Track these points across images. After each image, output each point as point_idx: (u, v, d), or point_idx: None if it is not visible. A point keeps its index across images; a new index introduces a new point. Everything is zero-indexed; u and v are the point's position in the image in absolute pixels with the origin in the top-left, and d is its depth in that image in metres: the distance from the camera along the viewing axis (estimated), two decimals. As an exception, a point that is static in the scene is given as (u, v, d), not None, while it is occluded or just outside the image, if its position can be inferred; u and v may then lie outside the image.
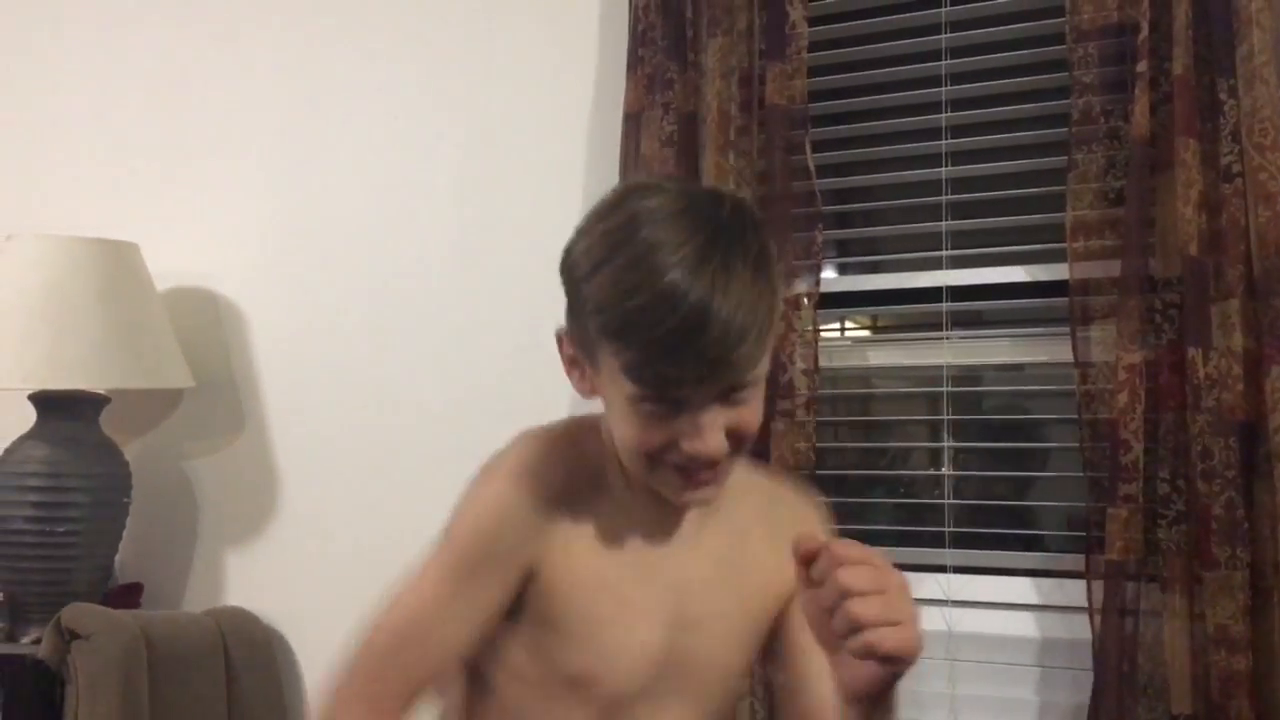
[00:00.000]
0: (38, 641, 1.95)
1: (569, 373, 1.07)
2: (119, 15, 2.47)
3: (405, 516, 2.10)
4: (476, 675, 1.11)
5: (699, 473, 1.00)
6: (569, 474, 1.06)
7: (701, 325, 0.92)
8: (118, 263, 2.14)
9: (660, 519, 1.09)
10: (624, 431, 1.01)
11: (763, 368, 1.00)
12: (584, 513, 1.06)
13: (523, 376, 2.04)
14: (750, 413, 1.00)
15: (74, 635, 1.86)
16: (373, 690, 1.04)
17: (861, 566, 0.89)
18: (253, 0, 2.36)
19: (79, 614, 1.88)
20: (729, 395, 0.98)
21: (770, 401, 1.76)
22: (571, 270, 1.02)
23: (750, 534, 1.13)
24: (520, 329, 2.06)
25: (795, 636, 1.11)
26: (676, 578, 1.09)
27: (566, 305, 1.04)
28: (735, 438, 1.00)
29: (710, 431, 0.97)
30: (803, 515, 1.18)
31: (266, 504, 2.23)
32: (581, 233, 1.02)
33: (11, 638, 2.06)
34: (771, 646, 1.16)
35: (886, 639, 0.86)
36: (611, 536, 1.07)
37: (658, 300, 0.92)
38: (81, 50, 2.50)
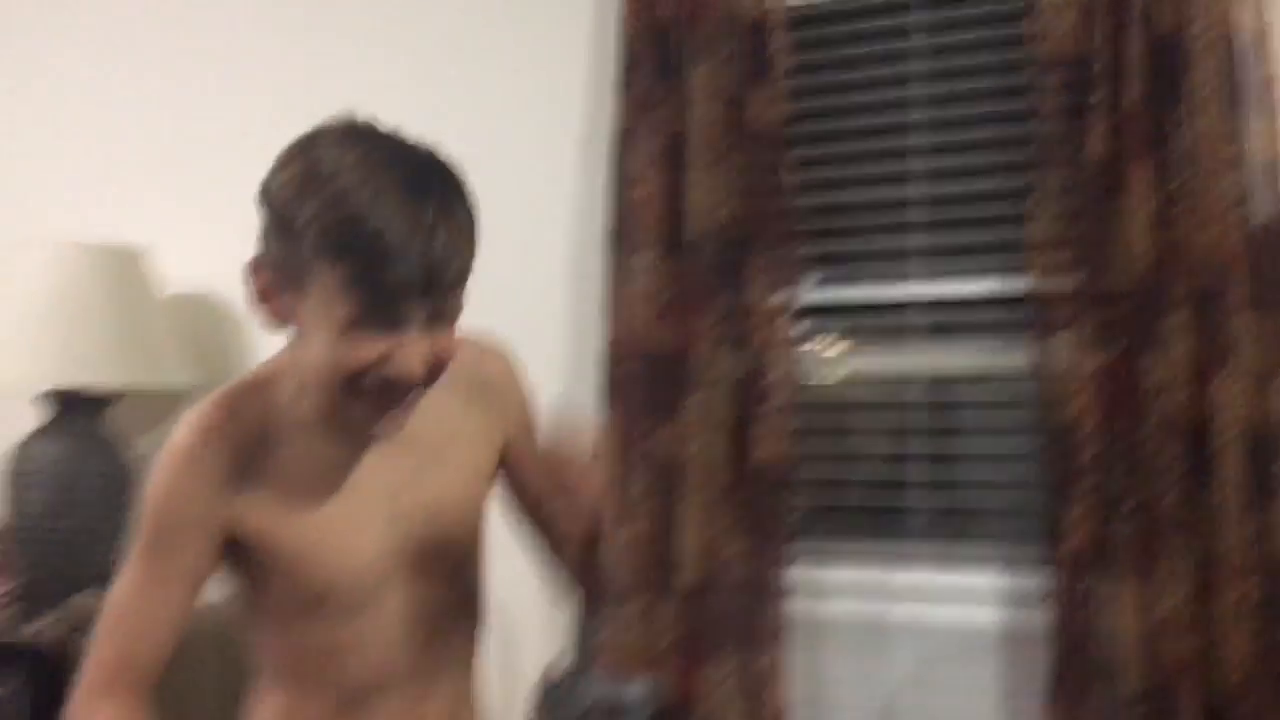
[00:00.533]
0: (49, 628, 2.03)
1: (259, 305, 1.10)
2: (128, 22, 2.56)
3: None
4: (261, 621, 1.20)
5: (392, 401, 1.06)
6: (240, 436, 1.12)
7: (426, 249, 0.99)
8: (126, 267, 2.23)
9: (354, 440, 1.14)
10: (328, 355, 1.03)
11: (462, 301, 1.07)
12: (269, 462, 1.13)
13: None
14: (449, 341, 1.06)
15: (84, 622, 1.95)
16: (106, 678, 1.13)
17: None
18: (257, 13, 2.46)
19: (91, 601, 1.97)
20: (434, 321, 1.04)
21: (748, 406, 1.88)
22: (283, 196, 1.05)
23: (451, 412, 1.19)
24: (514, 337, 2.16)
25: (528, 470, 1.25)
26: (386, 481, 1.16)
27: (269, 235, 1.07)
28: (435, 366, 1.05)
29: (418, 352, 1.03)
30: (495, 370, 1.27)
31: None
32: (291, 161, 1.08)
33: (22, 626, 2.14)
34: (513, 505, 1.28)
35: None
36: (308, 471, 1.14)
37: (386, 227, 0.99)
38: (91, 58, 2.58)
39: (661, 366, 1.92)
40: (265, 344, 2.30)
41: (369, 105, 2.42)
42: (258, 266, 1.09)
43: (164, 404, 2.41)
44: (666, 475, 1.90)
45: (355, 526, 1.15)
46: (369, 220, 1.00)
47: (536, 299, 2.15)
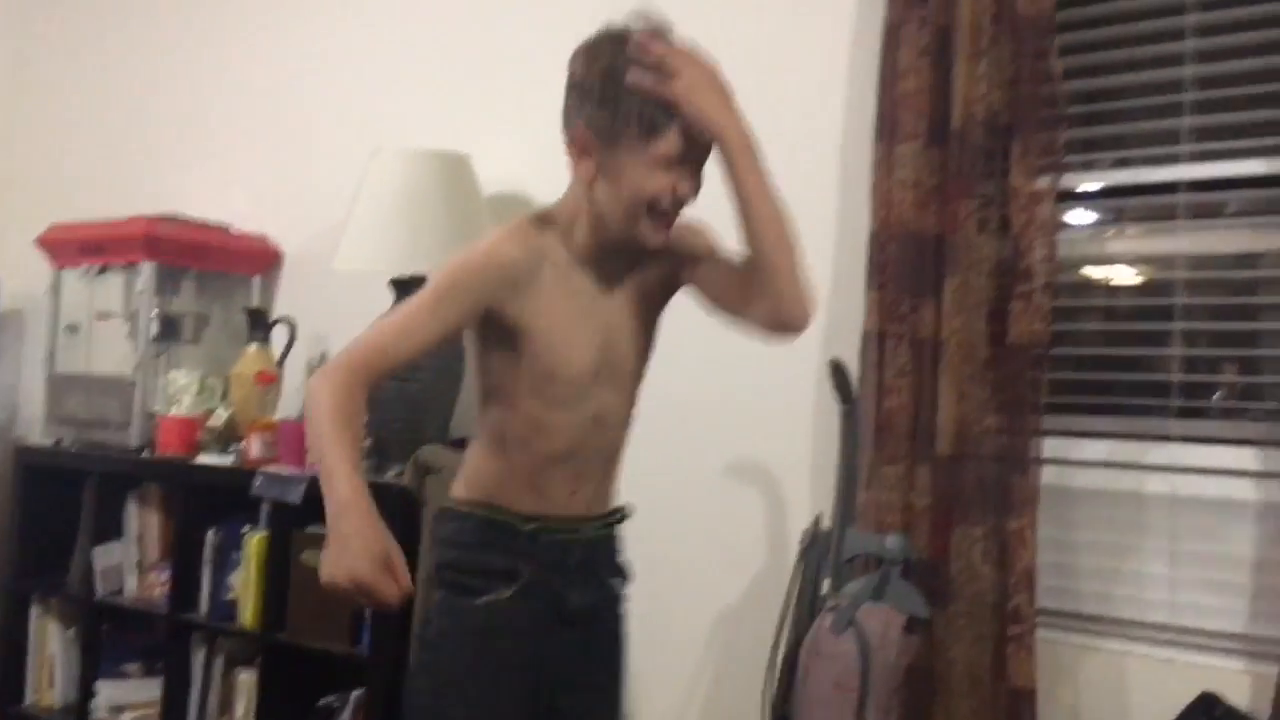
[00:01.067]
0: (399, 475, 2.45)
1: (578, 164, 1.53)
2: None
3: (687, 411, 2.46)
4: (497, 396, 1.61)
5: (669, 218, 1.52)
6: (526, 251, 1.54)
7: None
8: (454, 171, 2.59)
9: (596, 280, 1.59)
10: (632, 187, 1.49)
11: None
12: (538, 279, 1.53)
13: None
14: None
15: (428, 470, 2.33)
16: (358, 360, 1.50)
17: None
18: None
19: (432, 453, 2.36)
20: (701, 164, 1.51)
21: (1009, 285, 1.97)
22: (604, 73, 1.50)
23: (647, 267, 1.62)
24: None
25: (712, 279, 1.63)
26: (605, 318, 1.61)
27: (588, 106, 1.50)
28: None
29: (691, 180, 1.51)
30: (694, 239, 1.64)
31: (571, 374, 2.64)
32: (602, 46, 1.55)
33: (379, 472, 2.57)
34: (702, 295, 1.65)
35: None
36: (563, 291, 1.56)
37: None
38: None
39: (924, 249, 2.04)
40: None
41: (663, 12, 2.64)
42: (577, 134, 1.52)
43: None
44: (925, 351, 2.03)
45: (581, 341, 1.58)
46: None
47: (809, 186, 2.30)
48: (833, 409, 2.09)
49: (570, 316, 1.56)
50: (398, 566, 1.38)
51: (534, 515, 1.60)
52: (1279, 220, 1.89)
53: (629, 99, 1.47)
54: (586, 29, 2.64)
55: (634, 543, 1.76)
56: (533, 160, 2.73)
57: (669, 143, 1.47)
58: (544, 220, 1.60)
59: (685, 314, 1.70)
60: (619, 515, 1.72)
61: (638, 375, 1.67)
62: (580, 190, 1.56)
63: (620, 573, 1.73)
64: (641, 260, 1.62)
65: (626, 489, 1.76)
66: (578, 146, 1.52)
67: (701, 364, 2.41)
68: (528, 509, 1.60)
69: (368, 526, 1.37)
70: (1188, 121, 1.96)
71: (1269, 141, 1.88)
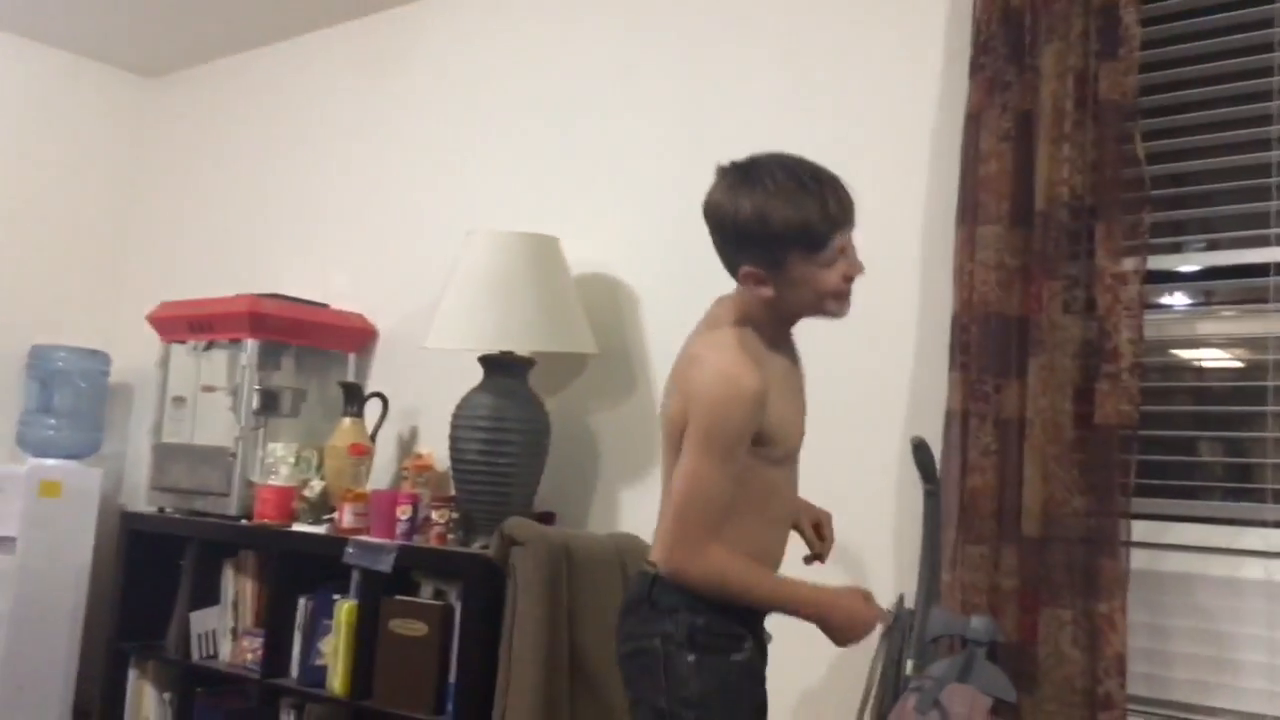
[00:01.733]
0: (485, 546, 2.49)
1: (757, 290, 1.71)
2: (539, 57, 3.04)
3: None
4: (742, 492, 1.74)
5: (850, 293, 1.72)
6: (758, 368, 1.68)
7: (839, 188, 1.70)
8: (544, 252, 2.67)
9: (787, 362, 1.80)
10: (825, 284, 1.70)
11: None
12: (770, 384, 1.69)
13: (871, 342, 2.34)
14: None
15: (514, 541, 2.37)
16: (704, 533, 1.68)
17: None
18: (647, 41, 2.83)
19: (518, 525, 2.40)
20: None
21: (1095, 366, 1.97)
22: (760, 217, 1.66)
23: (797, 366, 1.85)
24: (872, 301, 2.37)
25: None
26: (799, 384, 1.83)
27: (750, 248, 1.68)
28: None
29: (855, 254, 1.72)
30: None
31: (652, 449, 2.68)
32: (744, 198, 1.68)
33: (465, 543, 2.63)
34: None
35: None
36: (778, 380, 1.74)
37: (828, 184, 1.69)
38: (514, 85, 3.09)
39: (1007, 329, 2.06)
40: (654, 317, 2.70)
41: (740, 101, 2.74)
42: (749, 272, 1.71)
43: (573, 366, 2.84)
44: (1010, 431, 2.03)
45: (796, 415, 1.81)
46: (826, 195, 1.68)
47: (893, 268, 2.34)
48: (916, 488, 2.09)
49: (787, 397, 1.77)
50: (872, 599, 1.76)
51: None
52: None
53: (784, 233, 1.65)
54: (669, 117, 2.76)
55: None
56: (618, 242, 2.81)
57: (831, 250, 1.68)
58: (739, 331, 1.74)
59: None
60: None
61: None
62: (758, 297, 1.73)
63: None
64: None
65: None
66: (753, 279, 1.70)
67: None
68: None
69: (851, 603, 1.74)
70: (1277, 205, 1.96)
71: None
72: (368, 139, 3.45)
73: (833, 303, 1.73)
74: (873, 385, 2.35)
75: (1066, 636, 1.93)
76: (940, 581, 2.04)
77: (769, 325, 1.77)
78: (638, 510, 2.68)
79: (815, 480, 2.44)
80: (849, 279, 1.72)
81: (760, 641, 1.78)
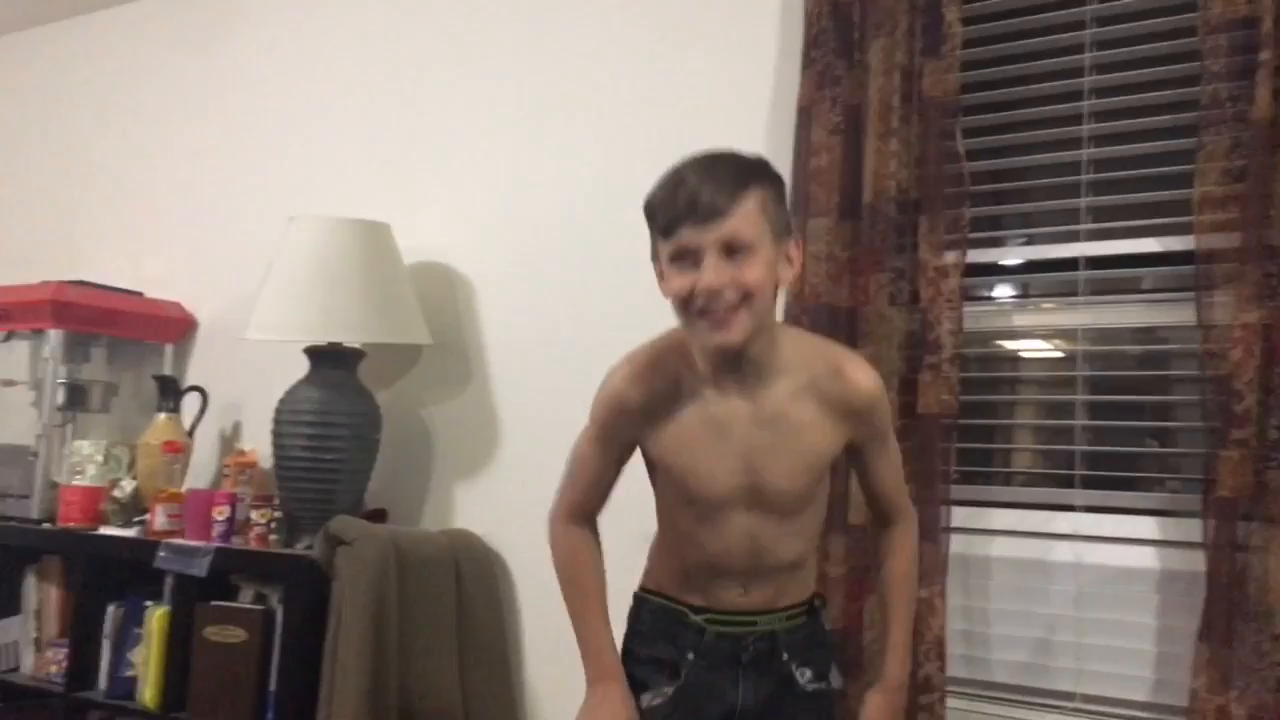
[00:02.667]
0: (309, 547, 2.39)
1: (661, 288, 1.53)
2: (373, 38, 2.93)
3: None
4: (660, 501, 1.69)
5: (716, 314, 1.45)
6: (660, 381, 1.58)
7: (679, 184, 1.46)
8: (374, 239, 2.58)
9: (728, 405, 1.56)
10: (672, 290, 1.48)
11: (751, 239, 1.45)
12: (672, 405, 1.58)
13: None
14: (747, 273, 1.45)
15: (340, 541, 2.28)
16: (569, 509, 1.71)
17: None
18: (480, 22, 2.77)
19: (344, 524, 2.31)
20: (731, 254, 1.44)
21: (918, 357, 2.01)
22: (650, 202, 1.52)
23: (804, 402, 1.57)
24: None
25: (863, 469, 1.68)
26: (742, 441, 1.57)
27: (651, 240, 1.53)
28: (739, 288, 1.45)
29: (710, 271, 1.44)
30: (855, 391, 1.58)
31: (489, 444, 2.63)
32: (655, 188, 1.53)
33: (288, 544, 2.52)
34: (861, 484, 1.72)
35: None
36: (694, 420, 1.58)
37: (662, 182, 1.50)
38: (345, 66, 2.98)
39: (837, 320, 2.08)
40: (491, 307, 2.65)
41: (578, 95, 2.71)
42: (653, 262, 1.55)
43: (406, 357, 2.76)
44: (839, 422, 2.06)
45: (717, 467, 1.58)
46: (663, 188, 1.50)
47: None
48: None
49: (702, 443, 1.57)
50: None
51: (704, 608, 1.64)
52: (1173, 296, 1.96)
53: (647, 212, 1.52)
54: (504, 104, 2.70)
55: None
56: (453, 229, 2.74)
57: (673, 244, 1.48)
58: (669, 344, 1.61)
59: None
60: (809, 607, 1.69)
61: (796, 508, 1.61)
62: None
63: (816, 662, 1.67)
64: (802, 390, 1.57)
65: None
66: (658, 278, 1.56)
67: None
68: (698, 604, 1.65)
69: (617, 699, 1.60)
70: (1085, 201, 2.04)
71: (1161, 221, 1.96)
72: (186, 117, 3.27)
73: (694, 321, 1.48)
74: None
75: (891, 622, 1.97)
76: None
77: (699, 358, 1.56)
78: (474, 506, 2.62)
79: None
80: (705, 293, 1.44)
81: (712, 687, 1.61)
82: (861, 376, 1.59)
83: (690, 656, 1.61)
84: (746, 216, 1.45)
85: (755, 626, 1.63)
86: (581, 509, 1.71)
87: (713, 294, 1.44)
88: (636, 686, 1.63)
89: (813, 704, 1.65)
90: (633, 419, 1.61)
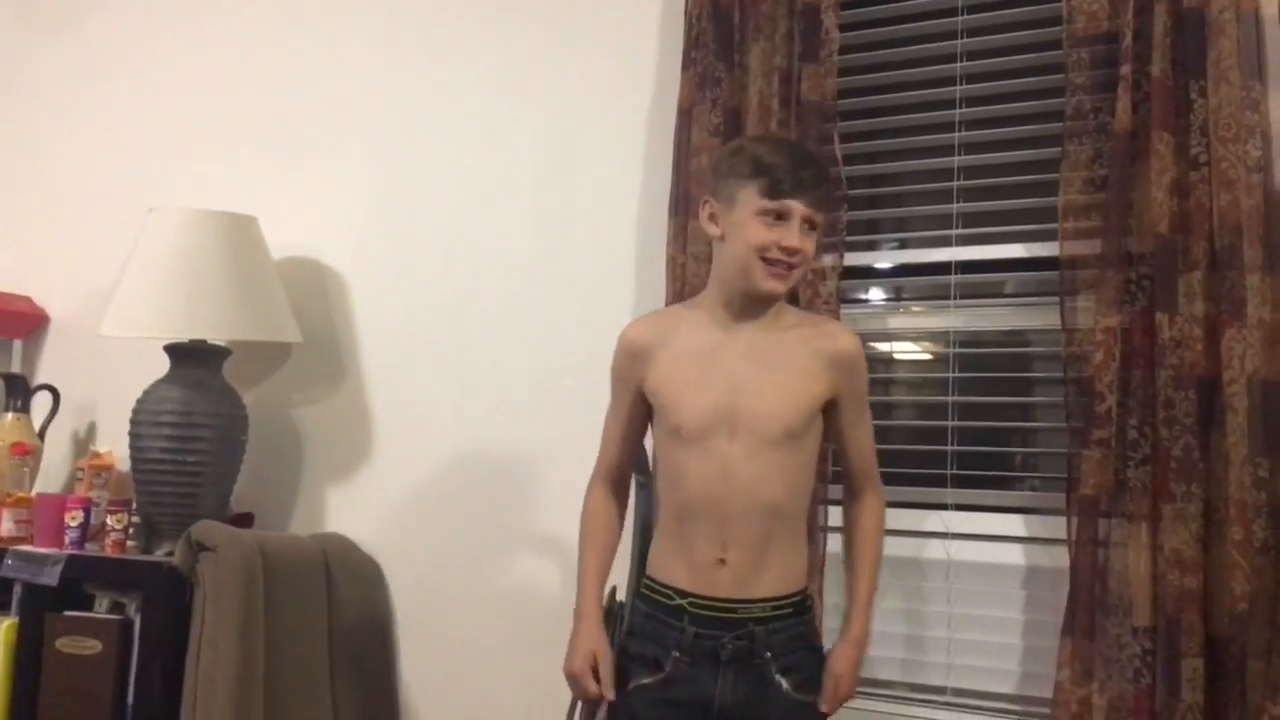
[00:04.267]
0: (170, 554, 2.29)
1: (707, 226, 1.73)
2: (241, 24, 2.83)
3: (483, 460, 2.42)
4: (657, 452, 1.79)
5: (780, 268, 1.66)
6: (661, 327, 1.77)
7: (807, 160, 1.70)
8: (240, 233, 2.48)
9: (721, 338, 1.72)
10: (747, 238, 1.66)
11: (820, 221, 1.69)
12: (670, 344, 1.74)
13: (588, 332, 2.32)
14: (810, 244, 1.68)
15: (202, 547, 2.19)
16: (597, 470, 1.84)
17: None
18: (353, 10, 2.69)
19: (207, 529, 2.21)
20: (806, 226, 1.66)
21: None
22: (722, 157, 1.74)
23: (795, 347, 1.72)
24: (588, 291, 2.36)
25: (841, 429, 1.77)
26: (730, 368, 1.70)
27: (715, 182, 1.72)
28: (804, 258, 1.68)
29: (795, 234, 1.65)
30: (840, 344, 1.74)
31: (362, 446, 2.56)
32: (729, 146, 1.79)
33: (147, 551, 2.41)
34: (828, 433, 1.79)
35: None
36: (687, 351, 1.73)
37: (786, 150, 1.71)
38: (210, 53, 2.86)
39: (716, 323, 2.08)
40: (364, 304, 2.57)
41: (454, 87, 2.65)
42: (706, 201, 1.73)
43: (274, 355, 2.66)
44: (718, 422, 2.06)
45: (702, 392, 1.69)
46: (775, 155, 1.68)
47: (607, 259, 2.34)
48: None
49: (691, 370, 1.71)
50: (600, 669, 1.69)
51: (682, 590, 1.67)
52: (1038, 300, 2.02)
53: (735, 155, 1.70)
54: (378, 96, 2.63)
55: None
56: (324, 223, 2.66)
57: (777, 203, 1.64)
58: (678, 309, 1.83)
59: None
60: (795, 602, 1.69)
61: (776, 437, 1.67)
62: (715, 264, 1.75)
63: (801, 669, 1.67)
64: (793, 336, 1.72)
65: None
66: (708, 216, 1.72)
67: (498, 429, 2.38)
68: (677, 578, 1.69)
69: (589, 633, 1.71)
70: (957, 207, 2.09)
71: (1026, 228, 2.02)
72: (34, 102, 3.10)
73: (760, 266, 1.65)
74: (591, 373, 2.32)
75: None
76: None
77: (715, 298, 1.74)
78: (345, 509, 2.55)
79: (535, 472, 2.42)
80: (784, 248, 1.65)
81: (696, 682, 1.65)
82: (846, 334, 1.77)
83: (675, 654, 1.66)
84: (824, 204, 1.70)
85: (735, 614, 1.64)
86: (610, 472, 1.83)
87: (792, 253, 1.65)
88: (625, 675, 1.71)
89: (796, 714, 1.67)
90: (637, 361, 1.74)
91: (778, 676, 1.65)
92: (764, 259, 1.65)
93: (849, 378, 1.73)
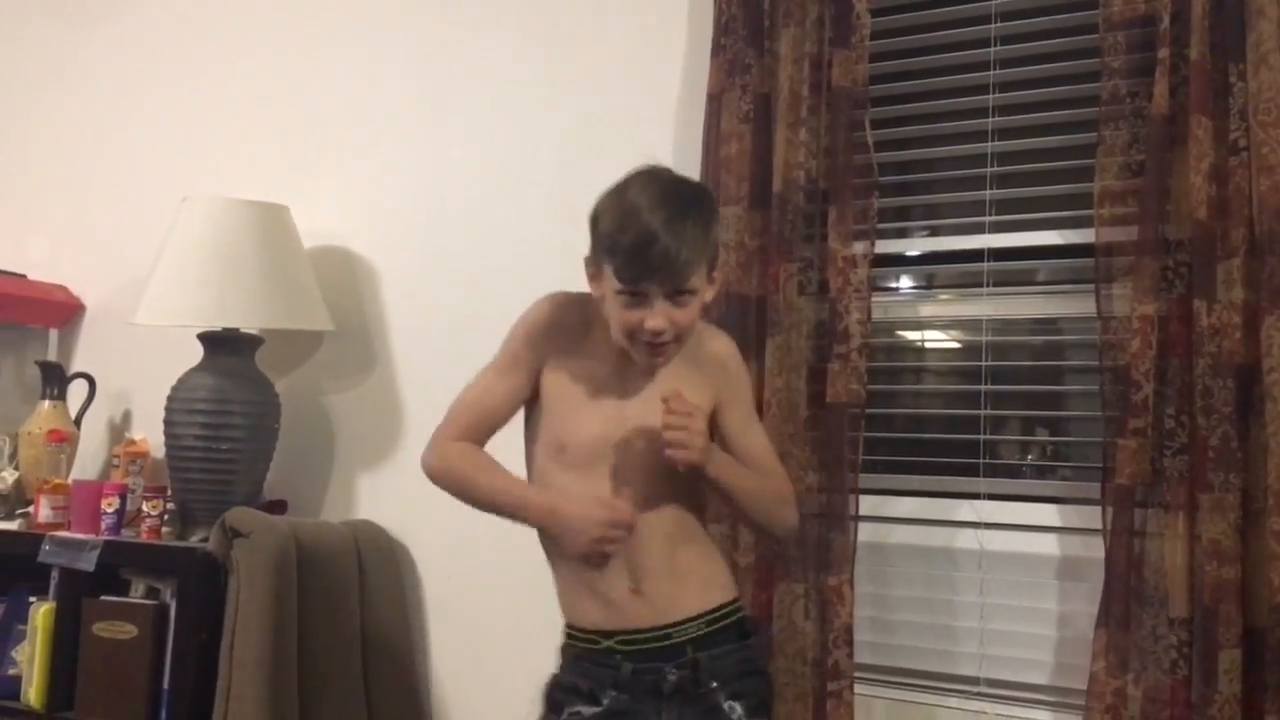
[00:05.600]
0: (204, 540, 2.31)
1: (590, 284, 1.62)
2: (272, 13, 2.84)
3: (511, 446, 2.42)
4: (529, 445, 1.70)
5: (657, 346, 1.56)
6: (576, 322, 1.65)
7: (651, 243, 1.50)
8: (273, 222, 2.50)
9: (621, 370, 1.64)
10: (614, 316, 1.58)
11: (697, 286, 1.56)
12: (577, 348, 1.65)
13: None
14: (685, 314, 1.56)
15: (236, 533, 2.21)
16: (458, 430, 1.68)
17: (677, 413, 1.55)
18: (386, 2, 2.69)
19: (241, 515, 2.23)
20: (674, 297, 1.54)
21: (827, 347, 2.02)
22: (593, 219, 1.60)
23: (676, 366, 1.64)
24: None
25: (730, 436, 1.70)
26: (622, 404, 1.64)
27: (592, 243, 1.60)
28: (676, 328, 1.56)
29: (657, 316, 1.54)
30: (712, 347, 1.72)
31: (393, 433, 2.57)
32: (601, 198, 1.61)
33: (182, 537, 2.43)
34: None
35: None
36: (588, 366, 1.65)
37: (631, 230, 1.52)
38: (242, 44, 2.88)
39: (747, 310, 2.07)
40: (395, 292, 2.58)
41: (484, 76, 2.65)
42: (587, 261, 1.63)
43: (306, 344, 2.68)
44: (749, 411, 2.05)
45: (593, 412, 1.63)
46: (624, 235, 1.53)
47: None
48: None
49: (588, 386, 1.64)
50: (611, 503, 1.58)
51: (606, 630, 1.59)
52: (1073, 288, 2.00)
53: (606, 241, 1.56)
54: (410, 84, 2.63)
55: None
56: (356, 212, 2.67)
57: (629, 286, 1.54)
58: (598, 302, 1.64)
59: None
60: (733, 621, 1.64)
61: (671, 473, 1.59)
62: None
63: (749, 695, 1.60)
64: (683, 364, 1.65)
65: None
66: (589, 276, 1.63)
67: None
68: (596, 619, 1.60)
69: (573, 506, 1.58)
70: (990, 194, 2.07)
71: (1061, 214, 2.00)
72: (71, 92, 3.12)
73: (632, 346, 1.57)
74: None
75: (799, 610, 1.98)
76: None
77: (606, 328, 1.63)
78: (377, 496, 2.56)
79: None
80: (649, 329, 1.53)
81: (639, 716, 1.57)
82: (720, 337, 1.75)
83: (612, 692, 1.58)
84: (698, 271, 1.56)
85: (670, 640, 1.58)
86: (469, 435, 1.67)
87: (656, 334, 1.55)
88: (558, 704, 1.62)
89: None
90: (550, 340, 1.66)
91: (728, 703, 1.59)
92: (631, 339, 1.57)
93: (726, 379, 1.70)
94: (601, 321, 1.63)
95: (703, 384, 1.66)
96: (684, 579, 1.62)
